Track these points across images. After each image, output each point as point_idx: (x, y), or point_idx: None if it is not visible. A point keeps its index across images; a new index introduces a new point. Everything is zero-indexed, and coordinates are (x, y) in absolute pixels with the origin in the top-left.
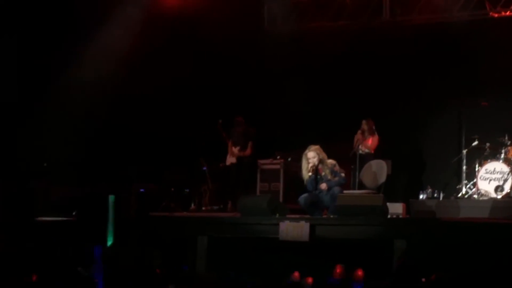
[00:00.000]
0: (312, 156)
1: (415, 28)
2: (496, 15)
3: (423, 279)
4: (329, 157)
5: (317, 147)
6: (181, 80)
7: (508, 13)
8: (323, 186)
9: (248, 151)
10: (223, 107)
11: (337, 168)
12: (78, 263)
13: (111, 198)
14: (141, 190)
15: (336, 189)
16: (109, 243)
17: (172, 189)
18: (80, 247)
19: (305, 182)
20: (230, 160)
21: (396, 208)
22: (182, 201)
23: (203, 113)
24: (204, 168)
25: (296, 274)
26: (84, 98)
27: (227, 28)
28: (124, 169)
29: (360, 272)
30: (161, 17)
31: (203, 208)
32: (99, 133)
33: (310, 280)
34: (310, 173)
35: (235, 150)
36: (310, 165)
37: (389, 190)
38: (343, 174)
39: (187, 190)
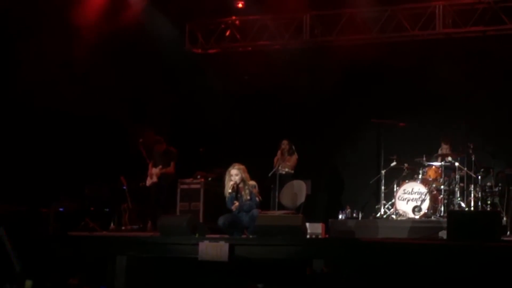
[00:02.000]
0: (235, 173)
1: (335, 49)
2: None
3: None
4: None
5: (241, 165)
6: (102, 98)
7: (426, 35)
8: (234, 206)
9: (171, 169)
10: (144, 125)
11: (255, 190)
12: None
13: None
14: (60, 209)
15: (255, 210)
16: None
17: (92, 208)
18: None
19: (226, 199)
20: (151, 180)
21: (315, 228)
22: (102, 220)
23: (124, 132)
24: (124, 187)
25: None
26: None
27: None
28: (42, 187)
29: None
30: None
31: (123, 228)
32: (16, 149)
33: None
34: (230, 191)
35: (156, 169)
36: (231, 182)
37: (309, 210)
38: (257, 199)
39: (107, 209)
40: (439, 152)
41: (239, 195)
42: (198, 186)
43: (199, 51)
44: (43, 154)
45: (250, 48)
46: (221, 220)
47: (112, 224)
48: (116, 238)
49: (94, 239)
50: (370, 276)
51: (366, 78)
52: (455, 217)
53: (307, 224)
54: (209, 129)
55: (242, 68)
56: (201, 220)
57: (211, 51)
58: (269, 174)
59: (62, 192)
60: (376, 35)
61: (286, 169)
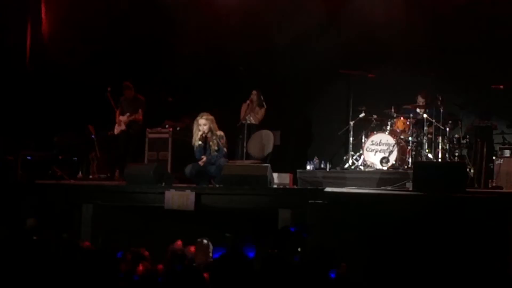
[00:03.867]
0: (203, 123)
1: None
2: None
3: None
4: (219, 127)
5: (208, 115)
6: (71, 46)
7: None
8: (202, 161)
9: (139, 116)
10: (112, 75)
11: (223, 141)
12: None
13: None
14: (28, 157)
15: (222, 160)
16: None
17: (60, 157)
18: None
19: (194, 149)
20: (119, 128)
21: (283, 179)
22: (70, 169)
23: (92, 80)
24: (93, 136)
25: (179, 242)
26: None
27: None
28: (12, 135)
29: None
30: None
31: (90, 177)
32: None
33: (192, 249)
34: (199, 142)
35: (124, 117)
36: (200, 132)
37: (277, 161)
38: (225, 149)
39: (75, 158)
40: (418, 102)
41: (207, 146)
42: (166, 135)
43: None
44: (12, 103)
45: None
46: (188, 169)
47: (80, 173)
48: (82, 187)
49: (60, 187)
50: (336, 226)
51: (336, 28)
52: (420, 167)
53: (275, 175)
54: (177, 78)
55: (210, 16)
56: (169, 170)
57: None
58: (238, 124)
59: (30, 140)
60: None
61: (254, 121)
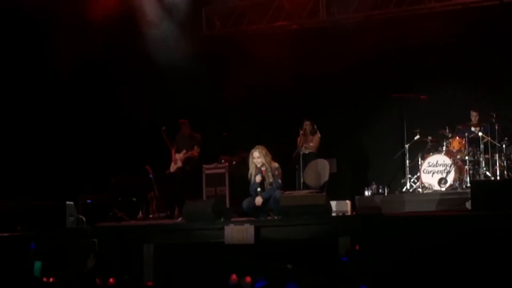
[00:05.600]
0: (257, 156)
1: (352, 26)
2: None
3: None
4: (274, 159)
5: (261, 147)
6: (120, 88)
7: (443, 6)
8: (258, 201)
9: (195, 152)
10: (166, 114)
11: (278, 172)
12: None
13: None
14: (88, 201)
15: (278, 192)
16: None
17: (119, 198)
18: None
19: (250, 184)
20: (175, 166)
21: (342, 206)
22: (130, 210)
23: (146, 121)
24: (151, 176)
25: (234, 276)
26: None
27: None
28: (70, 180)
29: (248, 279)
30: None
31: (150, 216)
32: (44, 143)
33: (248, 279)
34: (256, 181)
35: (181, 155)
36: (253, 166)
37: (335, 189)
38: (279, 181)
39: (134, 199)
40: (471, 120)
41: (264, 182)
42: (223, 170)
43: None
44: (67, 149)
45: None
46: (245, 204)
47: (140, 213)
48: (143, 227)
49: (121, 229)
50: (397, 251)
51: (385, 53)
52: (478, 186)
53: (334, 203)
54: (231, 113)
55: (260, 50)
56: (227, 205)
57: (228, 35)
58: (293, 155)
59: (88, 184)
60: (393, 9)
61: (309, 150)
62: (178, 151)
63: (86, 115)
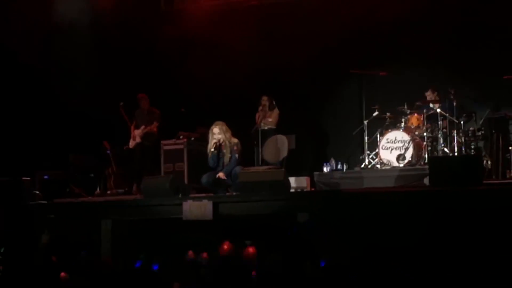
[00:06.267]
0: (217, 132)
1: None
2: None
3: None
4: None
5: (222, 123)
6: (80, 64)
7: None
8: (220, 175)
9: (153, 127)
10: (123, 89)
11: (237, 148)
12: None
13: None
14: (45, 177)
15: (237, 167)
16: None
17: (77, 175)
18: None
19: (208, 158)
20: (134, 142)
21: (300, 182)
22: (87, 186)
23: (104, 96)
24: (108, 152)
25: (190, 252)
26: None
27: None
28: (26, 156)
29: (251, 249)
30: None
31: (108, 192)
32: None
33: (205, 255)
34: (212, 149)
35: (139, 130)
36: (214, 141)
37: (294, 165)
38: (237, 155)
39: (92, 175)
40: (427, 98)
41: (220, 154)
42: (181, 146)
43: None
44: (24, 125)
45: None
46: (204, 179)
47: (97, 189)
48: (100, 203)
49: (78, 204)
50: (355, 227)
51: (344, 30)
52: (435, 162)
53: (293, 179)
54: (189, 89)
55: (219, 27)
56: (186, 181)
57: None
58: (252, 131)
59: (46, 160)
60: None
61: (268, 126)
62: (137, 127)
63: (43, 91)
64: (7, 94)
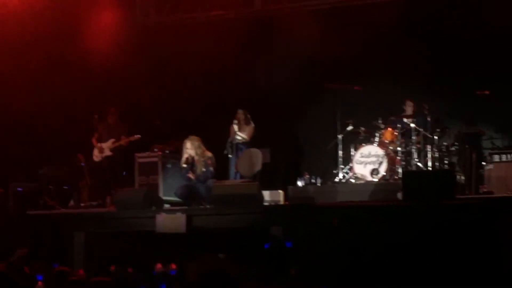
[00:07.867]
0: (189, 147)
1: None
2: None
3: None
4: (208, 148)
5: (195, 138)
6: (55, 76)
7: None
8: (191, 175)
9: (123, 143)
10: (99, 101)
11: (211, 162)
12: None
13: None
14: (19, 189)
15: (211, 181)
16: None
17: (51, 187)
18: None
19: (182, 171)
20: (100, 154)
21: (275, 196)
22: (61, 198)
23: (78, 108)
24: (83, 164)
25: (159, 265)
26: None
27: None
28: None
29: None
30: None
31: (82, 205)
32: None
33: (173, 266)
34: (184, 165)
35: (108, 143)
36: (186, 155)
37: (269, 178)
38: (211, 169)
39: (66, 187)
40: (406, 110)
41: (194, 168)
42: (155, 159)
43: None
44: None
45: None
46: (178, 191)
47: (71, 202)
48: (74, 215)
49: (52, 217)
50: (329, 240)
51: (319, 44)
52: (409, 177)
53: (267, 192)
54: (165, 102)
55: (196, 40)
56: (160, 193)
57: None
58: (226, 144)
59: (20, 173)
60: (326, 0)
61: (243, 139)
62: (101, 140)
63: (17, 103)
64: None
